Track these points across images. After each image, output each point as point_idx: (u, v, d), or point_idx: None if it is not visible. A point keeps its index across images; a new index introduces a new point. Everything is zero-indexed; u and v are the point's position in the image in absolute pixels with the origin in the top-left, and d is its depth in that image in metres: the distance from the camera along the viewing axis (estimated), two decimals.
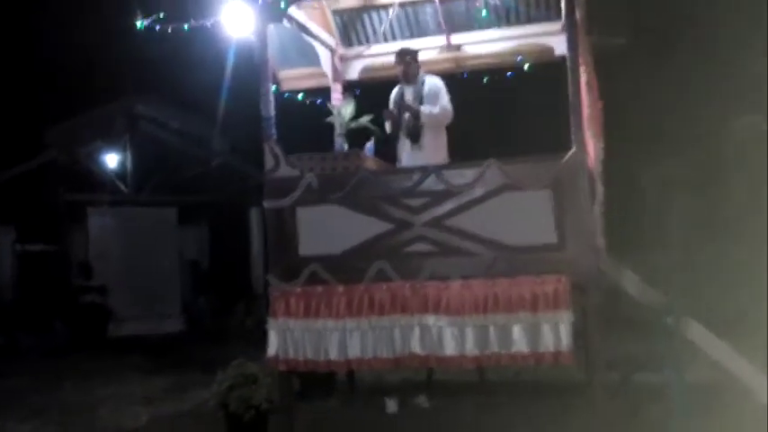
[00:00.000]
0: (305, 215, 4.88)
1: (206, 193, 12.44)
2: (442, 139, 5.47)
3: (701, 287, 4.82)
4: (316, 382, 6.10)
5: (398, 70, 5.61)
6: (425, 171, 4.69)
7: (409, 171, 4.82)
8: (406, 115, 5.49)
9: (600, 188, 4.47)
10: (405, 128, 5.47)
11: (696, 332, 4.77)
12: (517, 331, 4.45)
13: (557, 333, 4.39)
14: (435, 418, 5.36)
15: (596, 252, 4.46)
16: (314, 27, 5.85)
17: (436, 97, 5.41)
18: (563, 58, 4.83)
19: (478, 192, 4.57)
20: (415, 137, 5.39)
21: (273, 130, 4.96)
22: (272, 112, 4.94)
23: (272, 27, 5.06)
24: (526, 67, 5.85)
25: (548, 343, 4.40)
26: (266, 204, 4.94)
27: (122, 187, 12.09)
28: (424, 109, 5.41)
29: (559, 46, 5.45)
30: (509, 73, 6.01)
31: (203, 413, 5.30)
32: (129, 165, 11.99)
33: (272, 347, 4.89)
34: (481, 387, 6.13)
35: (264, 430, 4.89)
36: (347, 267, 4.80)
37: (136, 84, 11.20)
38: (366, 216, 4.77)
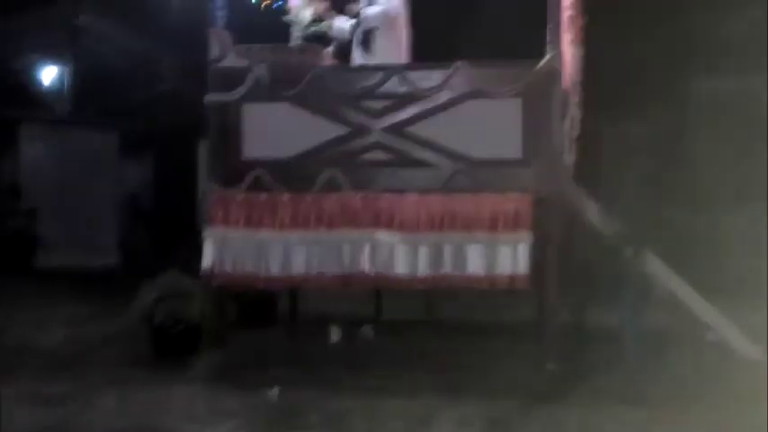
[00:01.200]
0: (251, 113, 4.42)
1: (152, 121, 11.63)
2: (398, 43, 4.90)
3: (664, 219, 4.60)
4: (255, 310, 5.71)
5: None
6: (389, 71, 4.28)
7: (371, 70, 4.39)
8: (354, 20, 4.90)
9: (574, 100, 4.15)
10: (355, 34, 4.89)
11: (655, 266, 4.58)
12: (473, 251, 4.16)
13: (515, 255, 4.12)
14: (380, 350, 5.05)
15: (563, 171, 4.16)
16: None
17: None
18: None
19: (444, 97, 4.20)
20: (365, 43, 4.83)
21: (221, 14, 4.43)
22: None
23: None
24: None
25: (505, 265, 4.12)
26: (208, 99, 4.44)
27: (59, 106, 11.19)
28: (366, 11, 4.75)
29: None
30: None
31: (126, 334, 4.86)
32: (67, 82, 11.08)
33: (208, 259, 4.46)
34: (429, 324, 5.87)
35: (196, 348, 4.48)
36: (295, 174, 4.38)
37: None
38: (320, 118, 4.34)
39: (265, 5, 5.97)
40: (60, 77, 11.11)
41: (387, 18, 4.74)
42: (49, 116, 10.97)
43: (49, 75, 11.10)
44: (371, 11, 4.76)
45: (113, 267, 10.95)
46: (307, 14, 5.10)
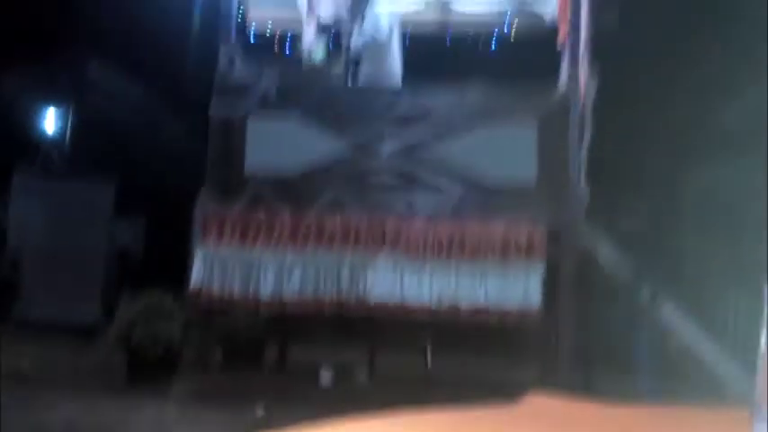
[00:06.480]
0: (256, 128, 4.25)
1: (150, 177, 11.49)
2: (387, 69, 4.52)
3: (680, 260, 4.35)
4: (240, 354, 5.31)
5: None
6: (400, 91, 4.17)
7: (383, 90, 4.28)
8: None
9: (589, 128, 4.02)
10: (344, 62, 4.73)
11: (670, 312, 4.28)
12: (482, 279, 3.88)
13: (526, 286, 3.85)
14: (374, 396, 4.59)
15: (579, 200, 3.96)
16: None
17: None
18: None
19: (457, 119, 4.07)
20: (353, 72, 4.65)
21: (233, 32, 4.38)
22: (234, 11, 4.37)
23: None
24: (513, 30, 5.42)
25: (515, 297, 3.84)
26: (213, 112, 4.30)
27: (56, 156, 11.05)
28: (352, 42, 4.56)
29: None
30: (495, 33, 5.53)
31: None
32: (68, 132, 11.00)
33: (197, 278, 4.17)
34: (425, 378, 5.45)
35: (173, 372, 4.06)
36: (298, 191, 4.17)
37: (89, 35, 10.19)
38: (328, 135, 4.18)
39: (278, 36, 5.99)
40: (61, 128, 11.02)
41: (370, 49, 4.56)
42: (45, 167, 10.79)
43: (48, 125, 11.01)
44: (355, 41, 4.64)
45: (93, 323, 10.41)
46: (320, 51, 5.07)
